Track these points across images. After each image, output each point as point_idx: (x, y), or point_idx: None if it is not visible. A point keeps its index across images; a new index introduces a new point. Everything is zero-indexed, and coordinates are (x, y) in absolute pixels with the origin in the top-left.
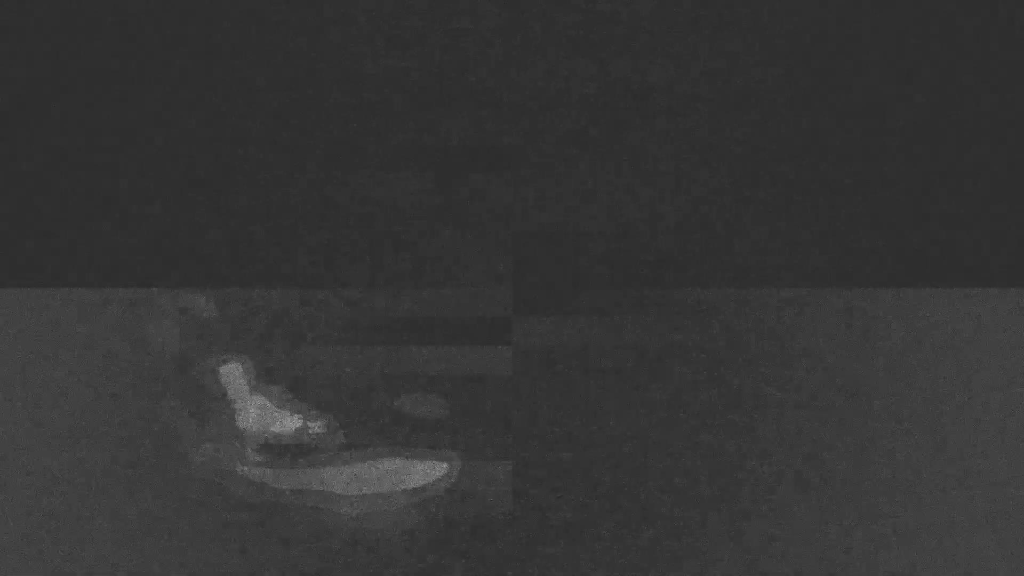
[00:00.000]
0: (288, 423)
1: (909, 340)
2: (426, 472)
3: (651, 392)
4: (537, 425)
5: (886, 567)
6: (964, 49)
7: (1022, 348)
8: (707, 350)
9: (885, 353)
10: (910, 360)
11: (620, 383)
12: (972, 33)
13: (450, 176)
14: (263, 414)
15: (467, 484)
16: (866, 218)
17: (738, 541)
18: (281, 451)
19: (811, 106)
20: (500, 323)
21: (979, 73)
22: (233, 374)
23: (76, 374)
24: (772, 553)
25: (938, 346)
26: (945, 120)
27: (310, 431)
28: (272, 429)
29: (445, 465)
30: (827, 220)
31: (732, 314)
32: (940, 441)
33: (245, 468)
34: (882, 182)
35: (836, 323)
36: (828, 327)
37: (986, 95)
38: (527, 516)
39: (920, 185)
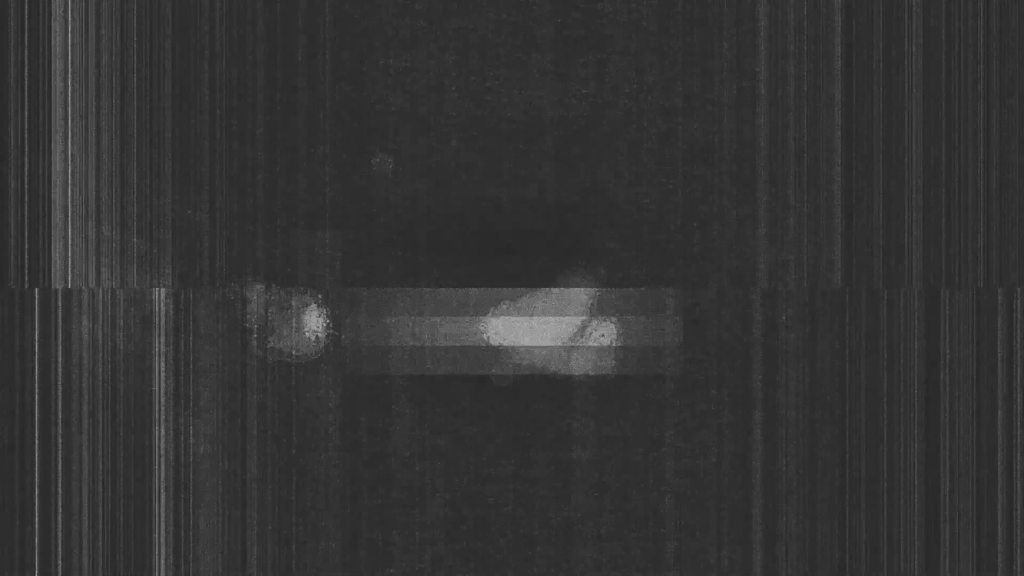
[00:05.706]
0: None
1: (913, 340)
2: None
3: (651, 392)
4: (538, 424)
5: (886, 567)
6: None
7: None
8: (709, 350)
9: (887, 353)
10: (913, 360)
11: (620, 383)
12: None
13: (449, 179)
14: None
15: (468, 483)
16: (868, 218)
17: (738, 541)
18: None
19: (812, 106)
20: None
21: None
22: None
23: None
24: (773, 553)
25: (940, 346)
26: (945, 121)
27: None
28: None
29: None
30: (828, 220)
31: (733, 314)
32: (943, 441)
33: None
34: (885, 183)
35: (838, 323)
36: (829, 327)
37: (988, 95)
38: (527, 516)
39: (924, 186)
